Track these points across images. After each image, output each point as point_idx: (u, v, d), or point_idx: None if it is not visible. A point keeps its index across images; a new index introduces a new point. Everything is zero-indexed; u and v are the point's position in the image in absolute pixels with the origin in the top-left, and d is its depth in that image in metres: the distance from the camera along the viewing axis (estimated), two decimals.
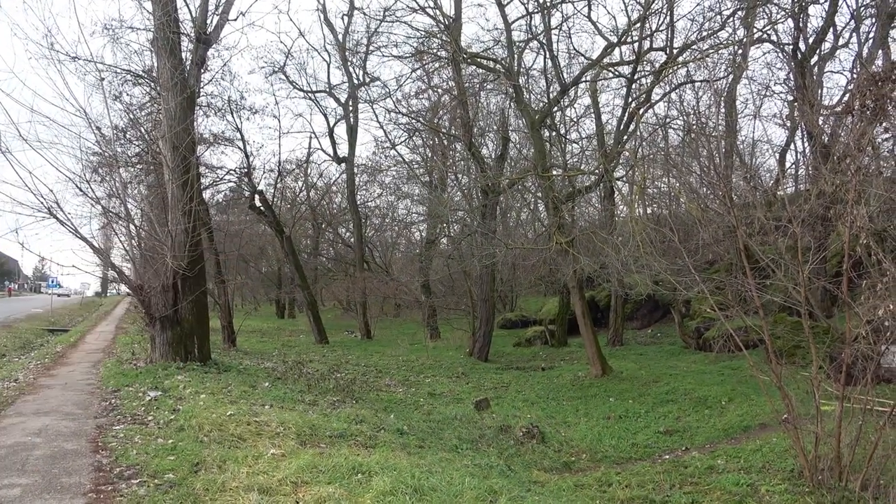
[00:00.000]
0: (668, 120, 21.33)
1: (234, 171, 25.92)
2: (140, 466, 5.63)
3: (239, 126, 25.10)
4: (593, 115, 23.68)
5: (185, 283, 12.29)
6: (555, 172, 18.09)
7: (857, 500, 6.86)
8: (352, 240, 38.03)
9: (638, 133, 19.49)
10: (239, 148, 25.30)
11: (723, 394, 12.82)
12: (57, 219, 10.85)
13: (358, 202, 32.83)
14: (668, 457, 9.93)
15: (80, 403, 8.77)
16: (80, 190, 11.57)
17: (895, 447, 6.83)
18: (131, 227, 12.51)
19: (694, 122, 18.29)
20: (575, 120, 24.02)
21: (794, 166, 20.72)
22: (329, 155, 33.13)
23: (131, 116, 18.13)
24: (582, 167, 20.05)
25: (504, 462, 8.58)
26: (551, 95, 17.54)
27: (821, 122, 14.89)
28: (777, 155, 22.79)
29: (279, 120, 46.42)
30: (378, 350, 23.54)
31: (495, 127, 24.51)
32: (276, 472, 5.48)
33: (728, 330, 14.94)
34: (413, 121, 25.21)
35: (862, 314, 7.12)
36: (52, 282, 51.64)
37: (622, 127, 16.76)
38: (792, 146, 21.42)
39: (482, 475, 6.82)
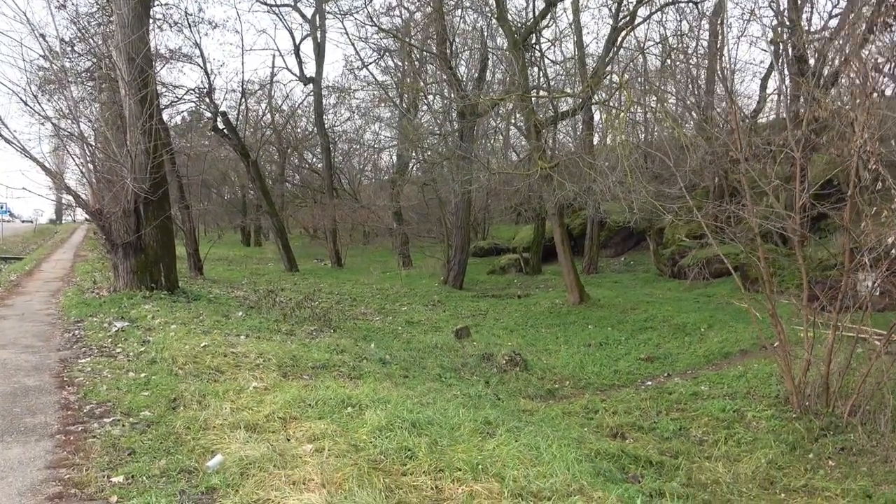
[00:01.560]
0: (657, 41, 20.59)
1: (194, 90, 24.31)
2: (112, 403, 5.19)
3: (197, 41, 23.62)
4: (572, 37, 22.78)
5: (147, 207, 11.54)
6: (540, 94, 17.33)
7: (845, 425, 6.88)
8: (318, 165, 36.82)
9: (618, 58, 18.74)
10: (198, 65, 23.59)
11: (701, 320, 12.87)
12: (1, 136, 9.92)
13: (325, 125, 31.55)
14: (650, 383, 9.94)
15: (41, 335, 8.21)
16: (27, 105, 10.53)
17: (888, 374, 6.82)
18: (86, 147, 11.57)
19: (686, 42, 17.61)
20: (551, 41, 23.02)
21: (776, 92, 20.36)
22: (295, 74, 31.52)
23: (79, 27, 16.61)
24: (565, 90, 19.32)
25: (492, 391, 8.42)
26: (537, 10, 16.58)
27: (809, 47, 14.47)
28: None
29: (241, 35, 43.71)
30: (350, 278, 23.17)
31: (468, 49, 23.41)
32: (262, 408, 5.11)
33: (705, 257, 14.81)
34: (385, 38, 23.84)
35: (863, 242, 6.94)
36: (3, 208, 49.04)
37: (610, 46, 15.98)
38: (774, 73, 20.97)
39: (474, 406, 6.61)
